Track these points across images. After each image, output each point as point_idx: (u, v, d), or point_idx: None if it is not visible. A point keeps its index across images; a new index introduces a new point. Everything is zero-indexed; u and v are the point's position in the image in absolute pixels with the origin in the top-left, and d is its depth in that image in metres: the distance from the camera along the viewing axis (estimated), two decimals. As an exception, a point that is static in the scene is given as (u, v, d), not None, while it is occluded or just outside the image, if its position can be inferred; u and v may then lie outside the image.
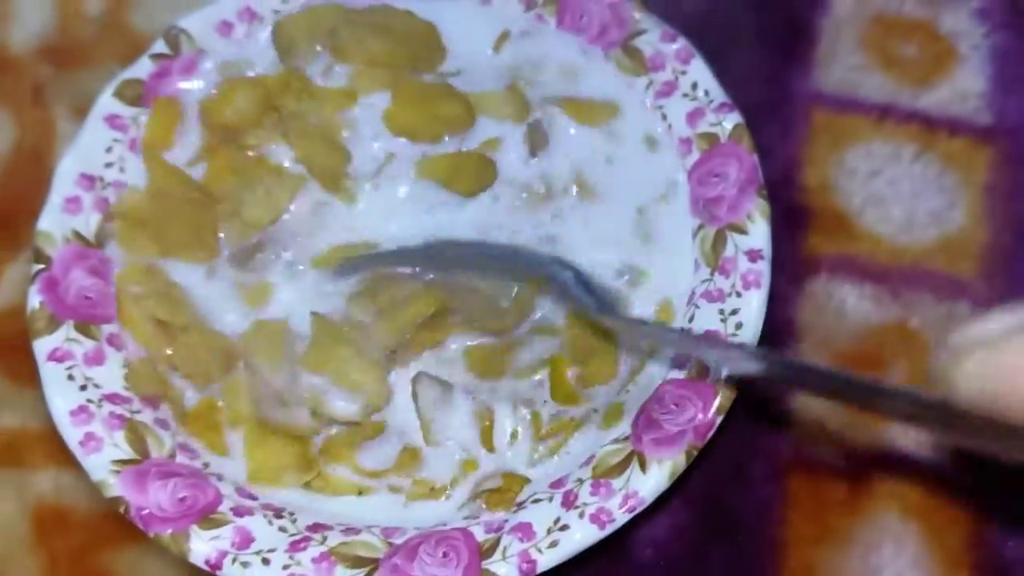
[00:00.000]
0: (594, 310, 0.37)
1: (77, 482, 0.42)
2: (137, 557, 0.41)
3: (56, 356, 0.38)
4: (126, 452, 0.37)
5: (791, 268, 0.44)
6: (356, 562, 0.35)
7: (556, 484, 0.37)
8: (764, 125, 0.45)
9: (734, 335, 0.37)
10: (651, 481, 0.35)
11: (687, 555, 0.41)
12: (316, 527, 0.37)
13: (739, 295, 0.38)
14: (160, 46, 0.44)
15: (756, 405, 0.41)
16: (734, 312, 0.38)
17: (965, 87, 0.48)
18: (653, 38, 0.43)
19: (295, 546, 0.35)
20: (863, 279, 0.44)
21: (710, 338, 0.38)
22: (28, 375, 0.43)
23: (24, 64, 0.51)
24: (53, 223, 0.41)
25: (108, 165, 0.42)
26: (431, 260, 0.40)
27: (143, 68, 0.43)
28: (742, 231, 0.39)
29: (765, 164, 0.41)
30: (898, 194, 0.46)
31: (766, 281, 0.38)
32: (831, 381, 0.31)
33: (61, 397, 0.38)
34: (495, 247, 0.40)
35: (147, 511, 0.36)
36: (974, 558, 0.40)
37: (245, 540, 0.35)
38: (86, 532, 0.42)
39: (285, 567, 0.35)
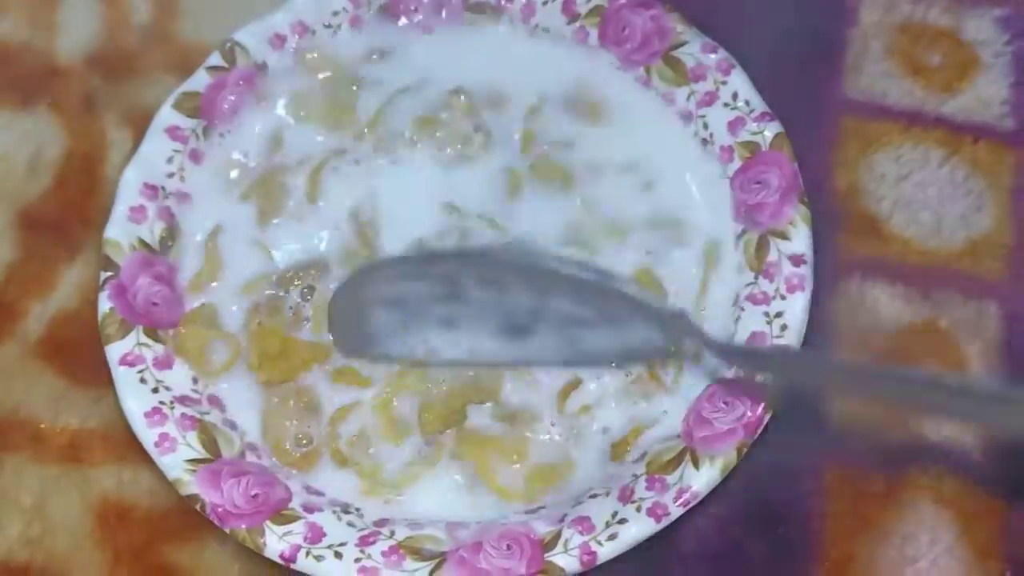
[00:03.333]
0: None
1: (137, 479, 0.43)
2: (199, 551, 0.42)
3: (128, 360, 0.40)
4: (199, 452, 0.39)
5: (824, 270, 0.46)
6: (424, 555, 0.37)
7: (610, 478, 0.38)
8: (795, 131, 0.46)
9: (779, 337, 0.39)
10: (704, 477, 0.37)
11: (729, 547, 0.42)
12: (382, 522, 0.38)
13: (783, 298, 0.40)
14: (216, 59, 0.45)
15: (794, 398, 0.43)
16: (779, 315, 0.40)
17: (989, 94, 0.50)
18: (694, 49, 0.45)
19: (364, 540, 0.37)
20: (894, 280, 0.46)
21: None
22: (85, 376, 0.45)
23: (73, 74, 0.52)
24: (120, 231, 0.42)
25: (169, 175, 0.44)
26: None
27: (200, 81, 0.45)
28: (784, 236, 0.41)
29: (795, 156, 0.43)
30: (926, 198, 0.48)
31: (809, 284, 0.40)
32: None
33: (135, 400, 0.39)
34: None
35: (222, 508, 0.37)
36: (1006, 547, 0.42)
37: (317, 535, 0.37)
38: (148, 527, 0.43)
39: (356, 560, 0.36)
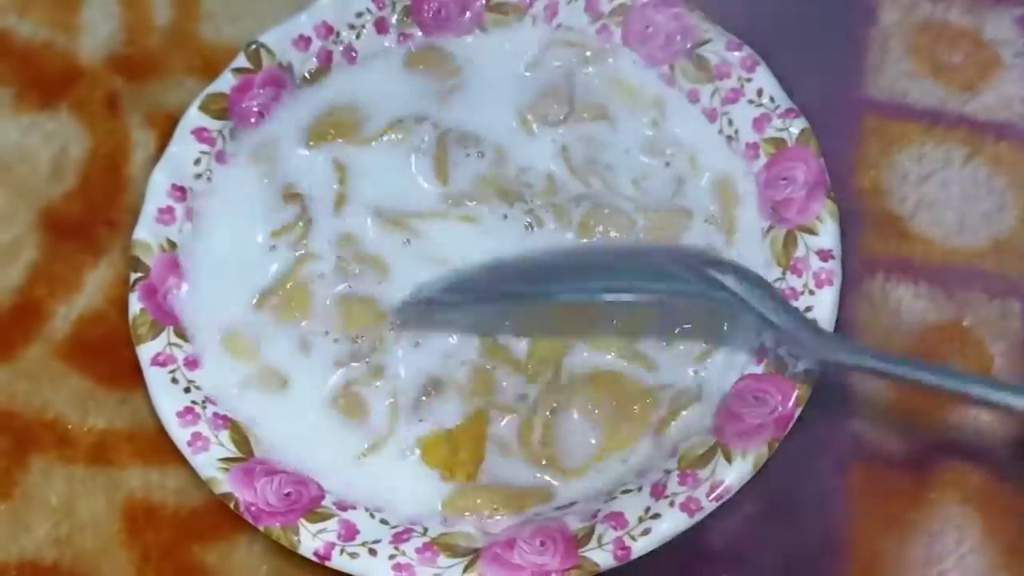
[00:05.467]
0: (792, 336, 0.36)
1: (164, 480, 0.43)
2: (227, 551, 0.42)
3: (159, 361, 0.40)
4: (231, 451, 0.39)
5: (848, 269, 0.46)
6: (457, 551, 0.37)
7: (642, 474, 0.39)
8: (817, 132, 0.46)
9: (809, 333, 0.39)
10: (736, 471, 0.37)
11: (755, 543, 0.42)
12: (414, 519, 0.38)
13: (812, 293, 0.40)
14: (241, 61, 0.45)
15: (820, 395, 0.43)
16: (808, 309, 0.40)
17: (1010, 93, 0.50)
18: (718, 47, 0.45)
19: (398, 537, 0.37)
20: (918, 280, 0.46)
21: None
22: (111, 377, 0.45)
23: (95, 74, 0.52)
24: (149, 232, 0.42)
25: (197, 176, 0.44)
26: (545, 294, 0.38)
27: (226, 82, 0.45)
28: (812, 232, 0.41)
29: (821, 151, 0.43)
30: (949, 197, 0.48)
31: (838, 280, 0.40)
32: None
33: (167, 399, 0.39)
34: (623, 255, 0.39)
35: (256, 506, 0.37)
36: (1033, 546, 0.42)
37: (350, 532, 0.37)
38: (176, 527, 0.43)
39: (391, 557, 0.37)
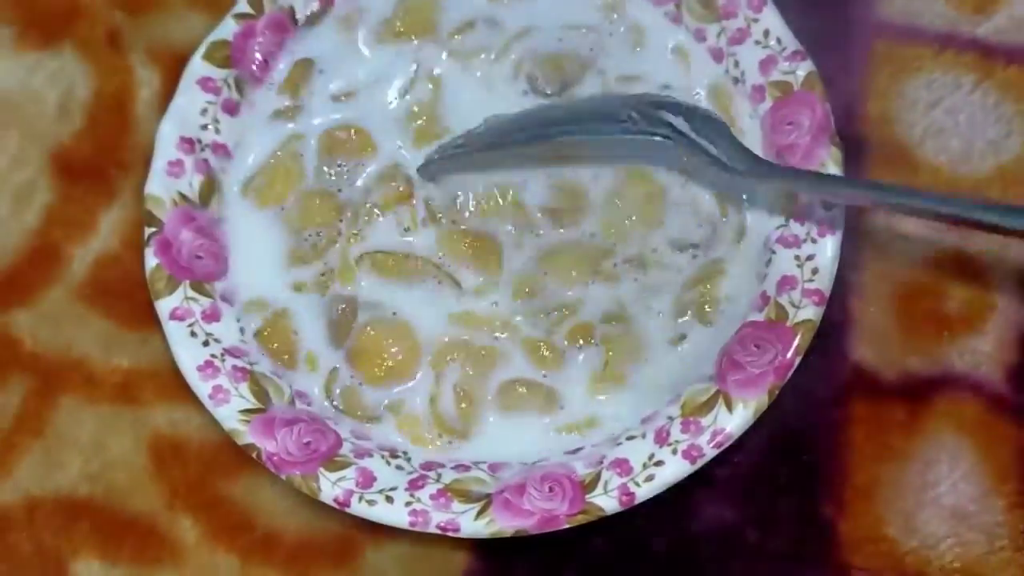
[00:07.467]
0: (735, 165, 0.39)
1: (188, 417, 0.45)
2: (251, 483, 0.44)
3: (177, 315, 0.41)
4: (251, 402, 0.40)
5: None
6: (470, 497, 0.39)
7: (646, 421, 0.40)
8: (826, 56, 0.46)
9: (810, 280, 0.40)
10: (737, 419, 0.39)
11: (758, 473, 0.44)
12: (428, 465, 0.40)
13: (814, 241, 0.41)
14: (243, 6, 0.45)
15: (820, 331, 0.44)
16: (810, 258, 0.40)
17: (1022, 13, 0.49)
18: (726, -16, 0.44)
19: (413, 484, 0.39)
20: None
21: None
22: (132, 317, 0.47)
23: (95, 10, 0.52)
24: (160, 186, 0.43)
25: (204, 127, 0.44)
26: (523, 140, 0.42)
27: (228, 29, 0.45)
28: (816, 178, 0.41)
29: (827, 95, 0.43)
30: (956, 124, 0.48)
31: (840, 227, 0.40)
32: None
33: (187, 353, 0.41)
34: (586, 105, 0.42)
35: (277, 456, 0.39)
36: (1022, 470, 0.43)
37: (368, 480, 0.39)
38: (201, 463, 0.45)
39: (407, 504, 0.38)
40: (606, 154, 0.43)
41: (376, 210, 0.44)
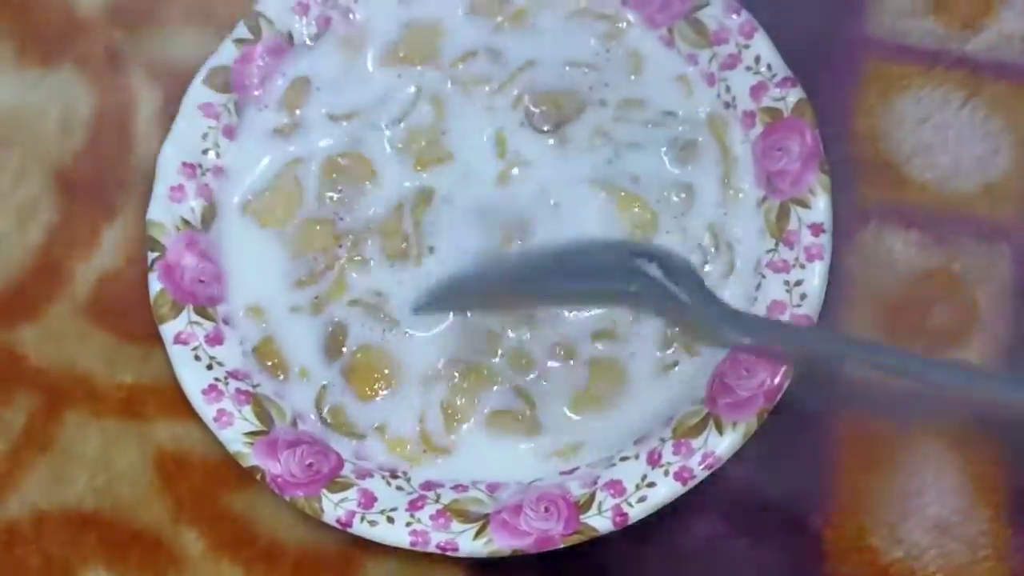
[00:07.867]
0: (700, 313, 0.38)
1: (190, 431, 0.46)
2: (254, 497, 0.45)
3: (181, 339, 0.42)
4: (254, 424, 0.41)
5: (841, 217, 0.47)
6: (468, 517, 0.40)
7: (639, 442, 0.41)
8: (814, 74, 0.47)
9: (798, 306, 0.41)
10: (727, 441, 0.40)
11: (747, 484, 0.45)
12: (428, 485, 0.41)
13: (803, 267, 0.41)
14: (242, 31, 0.45)
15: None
16: (798, 283, 0.41)
17: (1011, 29, 0.50)
18: (717, 11, 0.45)
19: (413, 504, 0.40)
20: (910, 226, 0.47)
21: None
22: (134, 333, 0.47)
23: (95, 27, 0.52)
24: (162, 212, 0.43)
25: (204, 152, 0.45)
26: (510, 287, 0.41)
27: (228, 54, 0.45)
28: (805, 205, 0.42)
29: (817, 121, 0.43)
30: (944, 141, 0.48)
31: (827, 254, 0.41)
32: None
33: (192, 377, 0.42)
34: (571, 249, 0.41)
35: (281, 478, 0.40)
36: (1004, 482, 0.44)
37: (369, 500, 0.40)
38: (205, 476, 0.46)
39: (407, 524, 0.40)
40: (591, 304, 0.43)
41: (372, 261, 0.45)
